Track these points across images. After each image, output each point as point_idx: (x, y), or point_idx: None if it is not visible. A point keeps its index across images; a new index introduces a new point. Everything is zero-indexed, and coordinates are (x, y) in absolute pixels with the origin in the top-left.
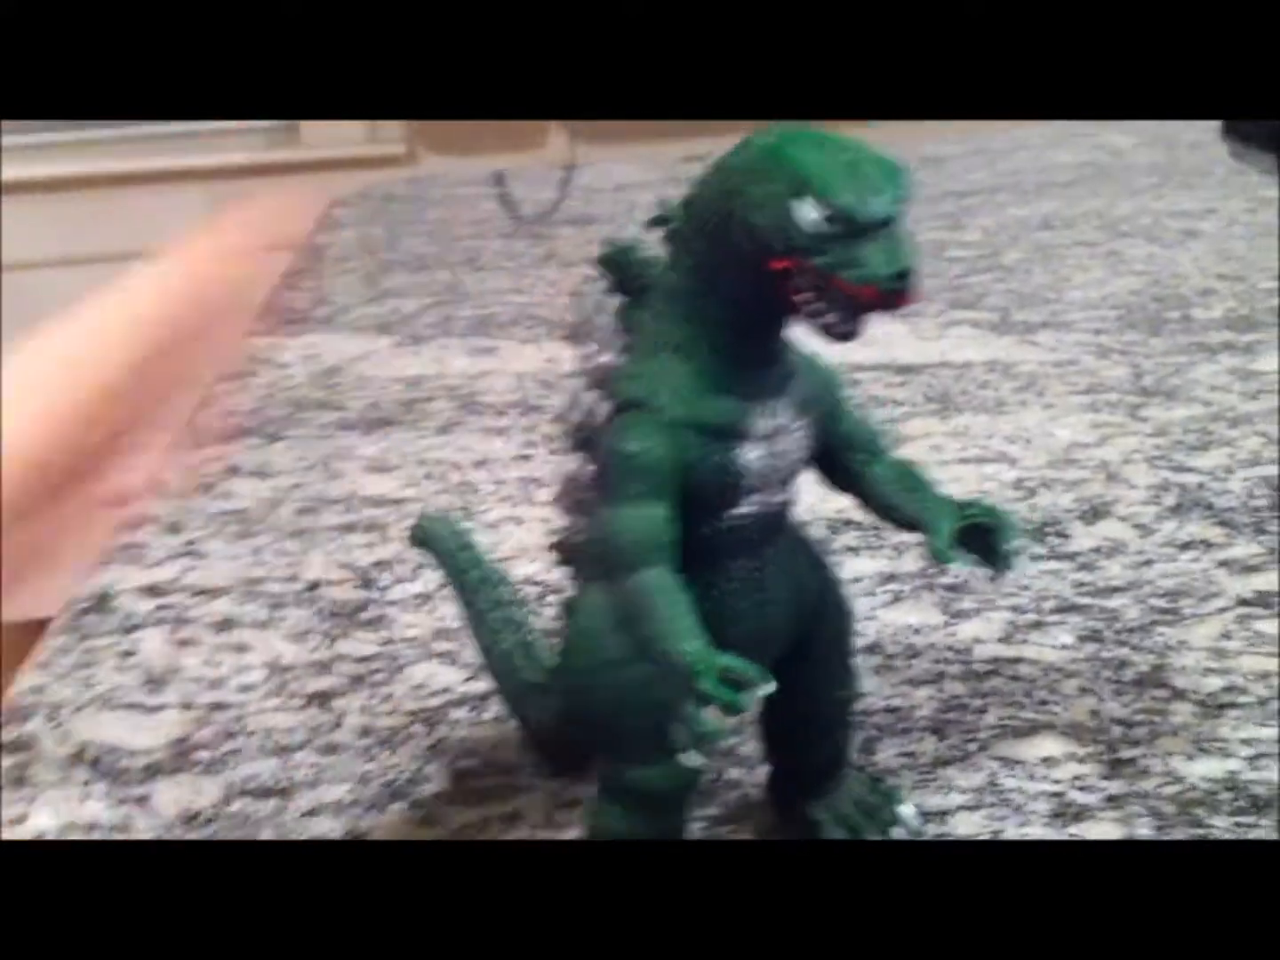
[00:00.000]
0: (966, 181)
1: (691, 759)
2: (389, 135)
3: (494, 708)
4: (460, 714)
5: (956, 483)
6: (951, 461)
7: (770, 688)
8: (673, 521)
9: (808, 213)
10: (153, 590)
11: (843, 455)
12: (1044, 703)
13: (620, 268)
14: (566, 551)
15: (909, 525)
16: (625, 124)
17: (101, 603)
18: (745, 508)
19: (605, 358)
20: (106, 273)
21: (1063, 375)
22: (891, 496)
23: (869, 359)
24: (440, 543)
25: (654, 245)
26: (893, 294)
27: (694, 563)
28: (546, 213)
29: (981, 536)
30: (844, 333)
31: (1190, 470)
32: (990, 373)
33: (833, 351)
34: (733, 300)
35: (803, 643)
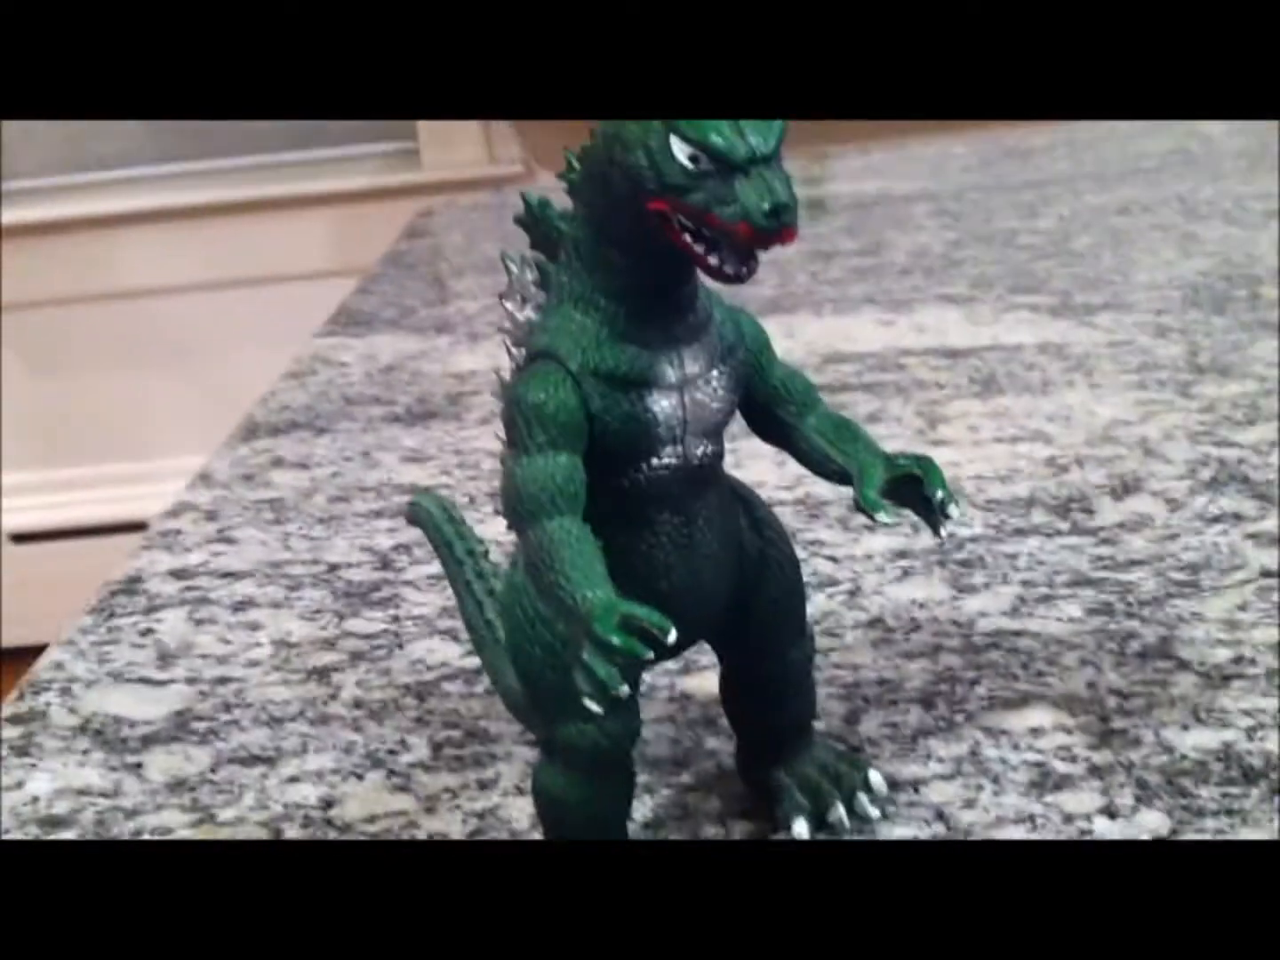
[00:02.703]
0: (1049, 171)
1: (593, 706)
2: (507, 155)
3: (486, 680)
4: (453, 687)
5: (987, 461)
6: (986, 441)
7: (672, 635)
8: (579, 470)
9: (678, 150)
10: (180, 574)
11: (774, 407)
12: (1040, 674)
13: (534, 223)
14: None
15: (840, 477)
16: None
17: (130, 585)
18: (663, 459)
19: (527, 313)
20: (237, 298)
21: (1115, 355)
22: (823, 449)
23: (918, 344)
24: (429, 518)
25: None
26: (768, 231)
27: (615, 517)
28: None
29: (920, 492)
30: (732, 274)
31: (1232, 445)
32: (1040, 354)
33: (881, 336)
34: (625, 247)
35: (748, 605)
